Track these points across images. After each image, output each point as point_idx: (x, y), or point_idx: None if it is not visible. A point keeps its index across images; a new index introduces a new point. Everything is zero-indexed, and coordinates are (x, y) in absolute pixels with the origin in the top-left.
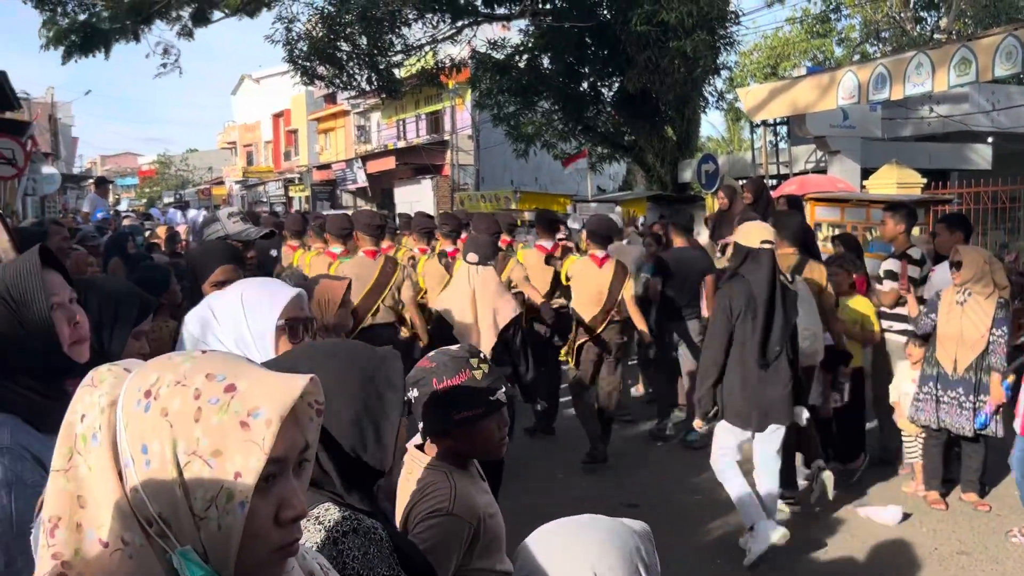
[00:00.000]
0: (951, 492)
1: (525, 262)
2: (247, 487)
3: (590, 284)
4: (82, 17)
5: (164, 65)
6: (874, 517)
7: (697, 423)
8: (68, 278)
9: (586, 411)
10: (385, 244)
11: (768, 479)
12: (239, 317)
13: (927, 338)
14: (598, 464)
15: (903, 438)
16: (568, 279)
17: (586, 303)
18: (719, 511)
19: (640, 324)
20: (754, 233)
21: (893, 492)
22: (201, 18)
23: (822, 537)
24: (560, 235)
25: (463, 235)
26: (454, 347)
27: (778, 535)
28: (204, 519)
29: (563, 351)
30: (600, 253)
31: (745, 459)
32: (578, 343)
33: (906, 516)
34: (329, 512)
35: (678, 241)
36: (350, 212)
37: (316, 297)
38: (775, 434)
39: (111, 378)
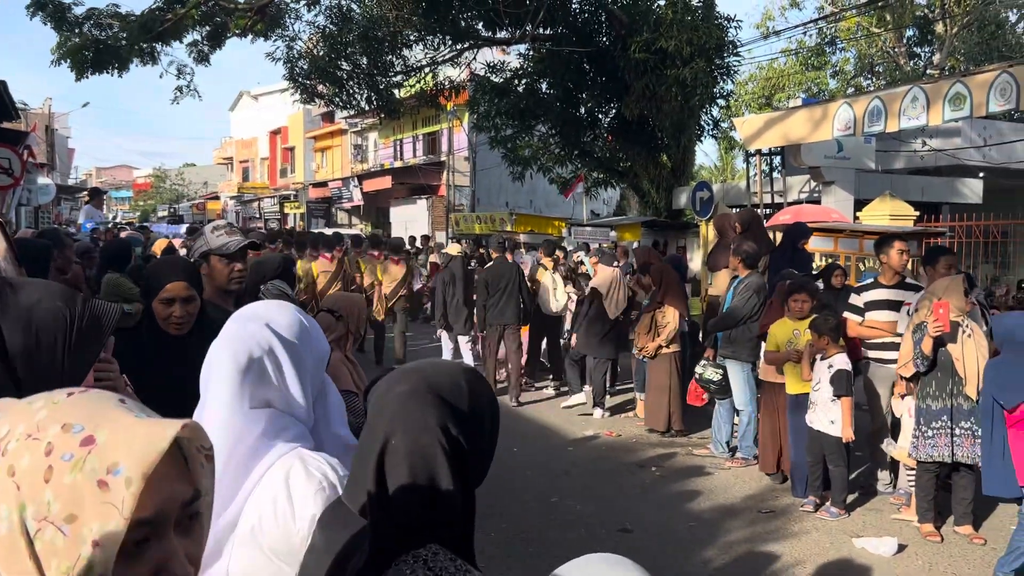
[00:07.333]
0: (943, 524)
1: (316, 267)
2: (106, 558)
3: (392, 275)
4: (98, 35)
5: (180, 89)
6: (869, 548)
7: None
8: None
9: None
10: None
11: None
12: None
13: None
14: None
15: (904, 469)
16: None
17: (388, 285)
18: (713, 538)
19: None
20: (451, 248)
21: (887, 523)
22: (216, 40)
23: (816, 568)
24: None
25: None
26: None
27: None
28: None
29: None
30: (396, 257)
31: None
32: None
33: (901, 548)
34: (438, 558)
35: (495, 253)
36: (352, 230)
37: (351, 310)
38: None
39: None
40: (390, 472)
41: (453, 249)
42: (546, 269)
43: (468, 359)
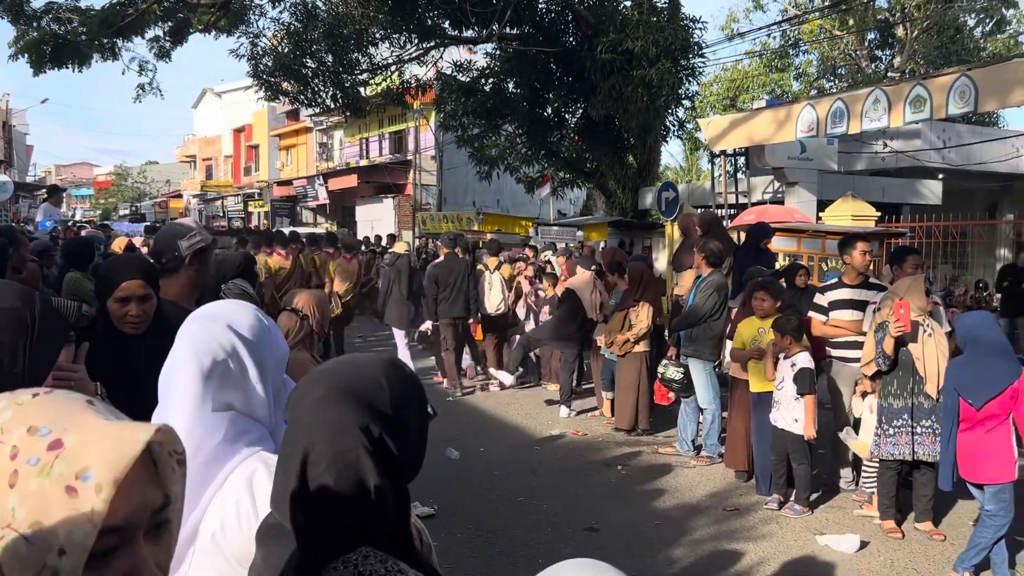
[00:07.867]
0: (904, 520)
1: (271, 262)
2: (74, 567)
3: (346, 272)
4: (56, 29)
5: (142, 87)
6: (832, 545)
7: (427, 326)
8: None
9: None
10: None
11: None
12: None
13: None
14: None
15: (865, 467)
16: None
17: (342, 283)
18: (679, 536)
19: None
20: (398, 247)
21: (850, 520)
22: (178, 36)
23: (780, 565)
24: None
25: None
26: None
27: None
28: None
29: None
30: (349, 255)
31: None
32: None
33: (863, 544)
34: (368, 561)
35: (443, 251)
36: (317, 229)
37: (315, 308)
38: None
39: None
40: (313, 482)
41: (400, 247)
42: (486, 268)
43: (404, 354)
